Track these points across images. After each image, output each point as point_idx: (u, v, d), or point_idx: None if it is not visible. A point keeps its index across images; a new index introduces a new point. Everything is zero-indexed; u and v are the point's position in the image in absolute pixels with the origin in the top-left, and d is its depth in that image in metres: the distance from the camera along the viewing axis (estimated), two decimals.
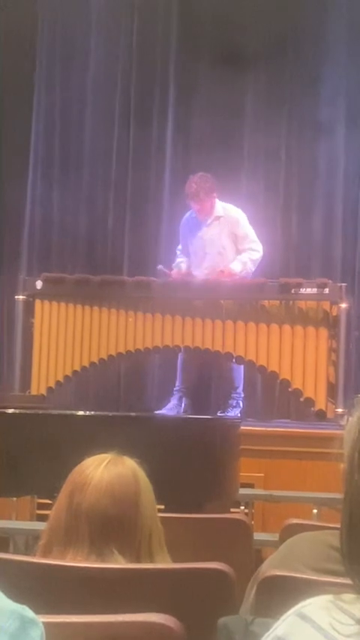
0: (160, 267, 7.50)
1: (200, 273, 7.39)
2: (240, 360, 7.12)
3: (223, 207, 7.42)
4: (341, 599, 0.90)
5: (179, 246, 7.66)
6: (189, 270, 7.46)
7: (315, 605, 0.91)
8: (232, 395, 7.49)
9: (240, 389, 7.52)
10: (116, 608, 1.73)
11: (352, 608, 0.89)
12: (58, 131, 9.13)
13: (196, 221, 7.46)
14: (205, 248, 7.42)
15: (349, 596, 0.91)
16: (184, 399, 7.46)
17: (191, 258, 7.52)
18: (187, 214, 7.57)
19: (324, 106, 8.57)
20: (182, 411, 7.36)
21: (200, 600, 2.09)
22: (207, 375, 8.05)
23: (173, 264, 7.57)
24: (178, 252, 7.63)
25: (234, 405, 7.45)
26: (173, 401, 7.46)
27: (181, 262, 7.54)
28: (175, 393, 7.50)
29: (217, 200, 7.40)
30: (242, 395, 7.53)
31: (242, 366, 7.43)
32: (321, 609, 0.90)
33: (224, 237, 7.38)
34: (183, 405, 7.43)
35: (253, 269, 7.40)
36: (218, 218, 7.40)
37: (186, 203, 7.50)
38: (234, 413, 7.38)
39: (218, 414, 7.32)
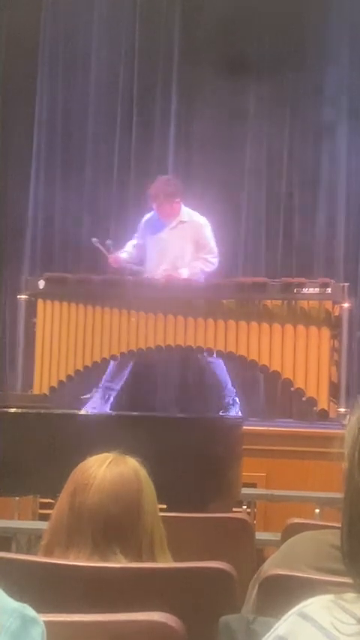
0: (94, 239, 7.52)
1: (147, 273, 7.42)
2: (237, 357, 7.11)
3: (188, 213, 7.45)
4: (343, 599, 0.90)
5: (132, 241, 7.64)
6: (131, 263, 7.50)
7: (316, 605, 0.91)
8: (224, 394, 7.48)
9: (229, 385, 7.51)
10: (118, 608, 1.73)
11: (354, 607, 0.89)
12: (61, 132, 9.13)
13: (158, 223, 7.47)
14: (164, 250, 7.43)
15: (350, 596, 0.91)
16: (110, 397, 7.42)
17: (149, 258, 7.52)
18: (149, 215, 7.58)
19: (326, 107, 8.57)
20: (109, 408, 7.34)
21: (202, 599, 2.09)
22: (175, 373, 8.02)
23: (120, 250, 7.57)
24: (129, 243, 7.62)
25: (231, 402, 7.44)
26: (97, 396, 7.41)
27: (125, 252, 7.55)
28: (100, 388, 7.45)
29: (182, 205, 7.41)
30: (235, 391, 7.52)
31: (222, 364, 7.42)
32: (322, 609, 0.90)
33: (186, 242, 7.39)
34: (109, 403, 7.40)
35: (201, 278, 7.42)
36: (183, 222, 7.41)
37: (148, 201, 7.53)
38: (234, 411, 7.38)
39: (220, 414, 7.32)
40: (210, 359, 7.38)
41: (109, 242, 7.58)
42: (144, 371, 7.95)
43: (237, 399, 7.48)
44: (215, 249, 7.43)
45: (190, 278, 7.31)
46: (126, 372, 7.52)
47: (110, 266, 7.54)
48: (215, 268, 7.43)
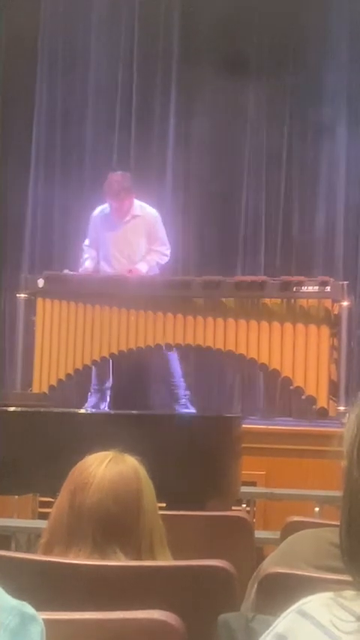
0: (66, 271, 7.55)
1: (110, 269, 7.46)
2: (236, 356, 7.12)
3: (140, 206, 7.50)
4: (342, 596, 0.91)
5: (86, 242, 7.67)
6: (96, 266, 7.54)
7: (315, 603, 0.91)
8: (178, 384, 7.49)
9: (178, 377, 7.52)
10: (118, 606, 1.73)
11: (353, 604, 0.89)
12: (60, 130, 9.12)
13: (111, 218, 7.50)
14: (118, 245, 7.47)
15: (349, 593, 0.91)
16: (104, 398, 7.44)
17: (103, 254, 7.55)
18: (100, 209, 7.60)
19: (326, 106, 8.57)
20: (106, 407, 7.37)
21: (202, 597, 2.09)
22: (142, 375, 8.03)
23: (81, 260, 7.62)
24: (86, 248, 7.65)
25: (182, 395, 7.46)
26: (92, 400, 7.43)
27: (87, 259, 7.58)
28: (92, 393, 7.48)
29: (134, 199, 7.47)
30: (184, 383, 7.54)
31: (176, 357, 7.45)
32: (321, 606, 0.90)
33: (141, 235, 7.45)
34: (105, 403, 7.42)
35: (157, 271, 7.50)
36: (136, 217, 7.46)
37: (102, 198, 7.56)
38: (187, 404, 7.40)
39: (177, 409, 7.33)
40: (169, 352, 7.40)
41: (65, 271, 7.58)
42: (139, 369, 7.96)
43: (187, 391, 7.50)
44: (167, 242, 7.52)
45: (148, 272, 7.43)
46: (109, 371, 7.55)
47: None
48: (168, 259, 7.48)
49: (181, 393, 7.50)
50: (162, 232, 7.51)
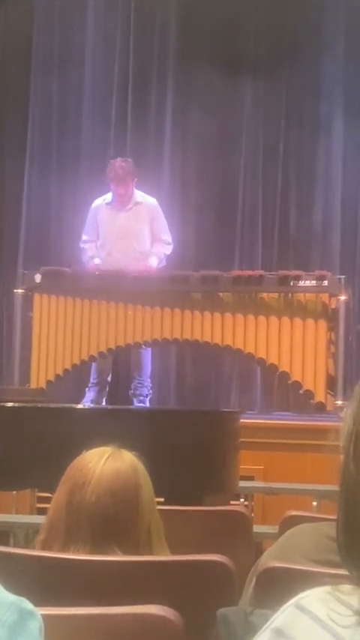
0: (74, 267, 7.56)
1: (109, 256, 7.46)
2: (234, 351, 7.12)
3: (141, 195, 7.53)
4: (339, 590, 0.90)
5: (84, 237, 7.66)
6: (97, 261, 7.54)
7: (313, 597, 0.91)
8: (144, 383, 7.50)
9: (148, 378, 7.55)
10: (116, 601, 1.73)
11: (350, 599, 0.89)
12: (55, 124, 9.11)
13: (111, 207, 7.52)
14: (120, 232, 7.48)
15: (347, 587, 0.91)
16: (104, 392, 7.45)
17: (101, 241, 7.54)
18: (100, 200, 7.60)
19: (322, 101, 8.58)
20: (104, 402, 7.38)
21: (200, 592, 2.09)
22: (121, 369, 8.04)
23: (85, 258, 7.60)
24: (86, 246, 7.63)
25: (145, 393, 7.47)
26: (90, 395, 7.43)
27: (93, 256, 7.57)
28: (91, 388, 7.48)
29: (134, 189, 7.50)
30: (150, 384, 7.56)
31: (149, 354, 7.46)
32: (319, 601, 0.90)
33: (143, 222, 7.47)
34: (104, 398, 7.43)
35: (165, 262, 7.52)
36: (138, 204, 7.49)
37: (103, 187, 7.58)
38: (147, 402, 7.41)
39: (136, 404, 7.34)
40: (141, 349, 7.41)
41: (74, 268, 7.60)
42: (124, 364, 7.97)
43: (151, 391, 7.54)
44: (168, 230, 7.55)
45: (157, 267, 7.43)
46: (109, 364, 7.55)
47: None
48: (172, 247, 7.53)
49: (145, 391, 7.50)
50: (164, 221, 7.55)
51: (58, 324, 7.39)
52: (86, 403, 7.24)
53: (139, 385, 7.51)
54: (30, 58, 9.15)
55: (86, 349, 7.36)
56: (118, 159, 7.54)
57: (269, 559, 2.07)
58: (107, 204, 7.55)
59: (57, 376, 7.42)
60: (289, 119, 8.73)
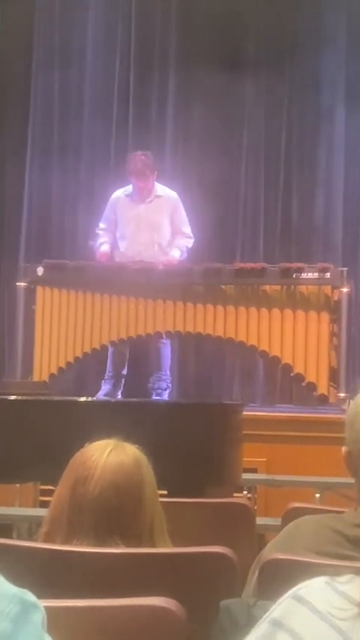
0: (91, 242, 7.53)
1: (130, 249, 7.43)
2: (236, 343, 7.12)
3: (161, 188, 7.51)
4: (337, 581, 0.90)
5: (101, 225, 7.63)
6: (112, 251, 7.52)
7: (311, 588, 0.91)
8: (162, 376, 7.50)
9: (167, 371, 7.54)
10: (119, 593, 1.73)
11: (348, 589, 0.89)
12: (56, 116, 9.10)
13: (133, 198, 7.48)
14: (140, 225, 7.45)
15: (344, 578, 0.91)
16: (119, 386, 7.45)
17: (120, 233, 7.52)
18: (119, 193, 7.57)
19: (324, 92, 8.57)
20: (119, 395, 7.37)
21: (203, 584, 2.09)
22: (139, 361, 8.03)
23: (95, 245, 7.57)
24: (101, 232, 7.60)
25: (164, 387, 7.46)
26: (106, 388, 7.43)
27: (104, 243, 7.53)
28: (106, 380, 7.48)
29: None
30: (170, 377, 7.56)
31: (169, 347, 7.45)
32: (317, 591, 0.90)
33: (164, 215, 7.45)
34: (119, 391, 7.43)
35: (186, 255, 7.50)
36: (159, 197, 7.46)
37: (125, 180, 7.55)
38: (166, 395, 7.40)
39: (153, 398, 7.34)
40: (162, 340, 7.41)
41: (90, 243, 7.58)
42: (140, 358, 7.96)
43: (170, 384, 7.52)
44: (188, 223, 7.51)
45: (182, 260, 7.38)
46: (125, 358, 7.54)
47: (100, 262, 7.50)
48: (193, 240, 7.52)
49: (163, 385, 7.49)
50: (184, 214, 7.51)
51: (61, 317, 7.39)
52: (100, 396, 7.25)
53: (158, 379, 7.51)
54: (32, 53, 9.13)
55: (89, 342, 7.36)
56: (139, 152, 7.49)
57: (272, 551, 2.07)
58: (127, 196, 7.51)
59: (60, 369, 7.42)
60: (291, 111, 8.71)
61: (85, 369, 8.16)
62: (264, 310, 7.00)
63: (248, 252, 8.42)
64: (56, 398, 5.08)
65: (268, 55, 8.70)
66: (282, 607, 0.90)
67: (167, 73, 8.91)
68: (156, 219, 7.44)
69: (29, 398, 4.78)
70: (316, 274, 6.96)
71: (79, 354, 7.39)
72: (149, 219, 7.43)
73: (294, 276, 6.98)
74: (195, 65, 8.67)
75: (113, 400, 6.56)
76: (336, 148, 8.59)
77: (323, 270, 6.98)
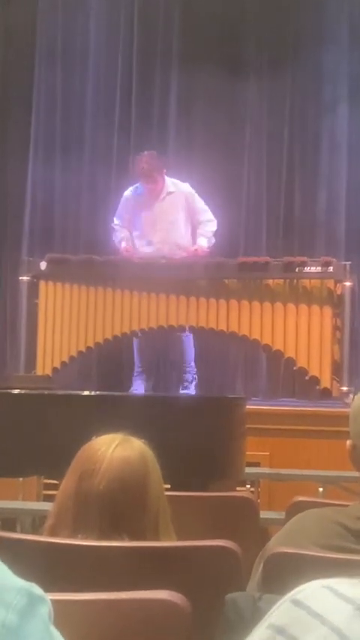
0: (123, 244, 7.52)
1: (150, 249, 7.41)
2: (239, 337, 7.12)
3: (172, 183, 7.45)
4: (336, 583, 0.90)
5: (115, 220, 7.62)
6: (133, 246, 7.50)
7: (309, 591, 0.90)
8: (187, 369, 7.50)
9: (192, 363, 7.53)
10: (124, 586, 1.73)
11: (347, 591, 0.88)
12: (60, 113, 9.10)
13: (145, 197, 7.44)
14: (155, 224, 7.42)
15: (343, 579, 0.91)
16: (148, 381, 7.46)
17: (138, 233, 7.51)
18: (132, 189, 7.54)
19: (326, 86, 8.56)
20: (150, 390, 7.39)
21: (208, 578, 2.10)
22: (163, 354, 8.05)
23: (116, 241, 7.57)
24: (117, 227, 7.59)
25: (190, 379, 7.47)
26: (136, 384, 7.45)
27: (123, 238, 7.52)
28: (136, 376, 7.50)
29: (165, 176, 7.43)
30: (195, 369, 7.54)
31: (191, 340, 7.46)
32: (315, 594, 0.90)
33: (178, 212, 7.41)
34: (151, 384, 7.45)
35: (214, 240, 7.46)
36: (170, 194, 7.42)
37: (136, 180, 7.51)
38: (192, 387, 7.41)
39: (181, 390, 7.35)
40: (183, 334, 7.41)
41: (123, 244, 7.57)
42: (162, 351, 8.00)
43: (196, 377, 7.50)
44: (207, 208, 7.47)
45: (199, 252, 7.35)
46: (152, 351, 7.57)
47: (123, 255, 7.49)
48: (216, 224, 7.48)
49: (189, 377, 7.50)
50: (200, 202, 7.45)
51: (64, 311, 7.39)
52: (134, 390, 7.30)
53: (183, 371, 7.52)
54: (34, 51, 9.12)
55: (92, 336, 7.36)
56: (145, 153, 7.44)
57: (276, 544, 2.08)
58: (139, 195, 7.47)
59: (63, 363, 7.43)
60: (293, 107, 8.70)
61: (88, 363, 8.16)
62: (267, 304, 7.00)
63: (251, 247, 8.42)
64: (60, 392, 5.08)
65: (271, 52, 8.69)
66: (280, 611, 0.90)
67: (169, 71, 8.90)
68: (170, 217, 7.40)
69: (33, 392, 4.78)
70: (319, 268, 6.96)
71: (82, 348, 7.40)
72: (163, 218, 7.40)
73: (297, 270, 6.98)
74: (197, 63, 8.66)
75: (117, 394, 6.55)
76: (338, 143, 8.58)
77: (326, 264, 6.98)
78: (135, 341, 7.49)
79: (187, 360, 7.55)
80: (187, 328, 7.26)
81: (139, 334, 7.33)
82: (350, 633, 0.84)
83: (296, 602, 0.88)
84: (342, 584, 0.89)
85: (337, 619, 0.85)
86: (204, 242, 7.38)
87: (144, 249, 7.45)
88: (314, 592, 0.89)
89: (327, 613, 0.86)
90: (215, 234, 7.48)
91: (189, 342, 7.54)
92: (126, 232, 7.54)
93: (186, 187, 7.46)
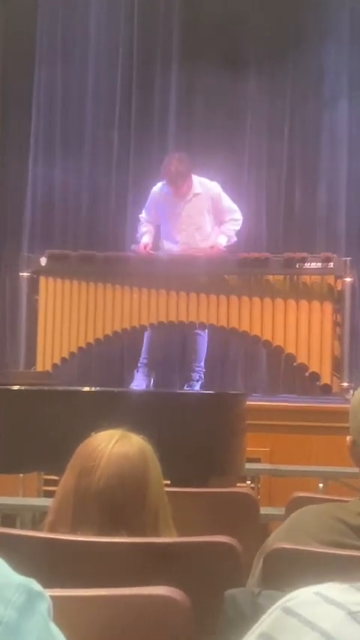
0: (133, 246, 7.50)
1: (174, 247, 7.41)
2: (240, 333, 7.12)
3: (200, 183, 7.39)
4: (327, 589, 0.90)
5: (143, 214, 7.60)
6: (155, 242, 7.48)
7: (300, 598, 0.90)
8: (195, 368, 7.50)
9: (202, 362, 7.53)
10: (123, 582, 1.73)
11: (337, 596, 0.88)
12: (60, 108, 9.10)
13: (171, 196, 7.39)
14: (181, 225, 7.40)
15: (333, 585, 0.90)
16: (151, 374, 7.45)
17: (164, 231, 7.50)
18: (161, 185, 7.48)
19: (327, 79, 8.55)
20: (150, 385, 7.37)
21: (207, 574, 2.10)
22: (173, 349, 8.04)
23: (137, 234, 7.55)
24: (143, 220, 7.57)
25: (197, 378, 7.46)
26: (139, 376, 7.45)
27: (145, 232, 7.50)
28: (140, 367, 7.49)
29: (193, 176, 7.37)
30: (204, 369, 7.54)
31: (205, 339, 7.45)
32: (306, 602, 0.89)
33: (204, 213, 7.38)
34: (152, 380, 7.44)
35: (236, 238, 7.44)
36: (197, 195, 7.37)
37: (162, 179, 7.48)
38: (197, 387, 7.40)
39: (185, 388, 7.34)
40: (197, 331, 7.40)
41: (133, 246, 7.54)
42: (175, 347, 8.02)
43: (203, 375, 7.51)
44: (235, 206, 7.43)
45: (219, 247, 7.34)
46: (162, 346, 7.57)
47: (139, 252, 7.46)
48: (242, 222, 7.45)
49: (196, 376, 7.50)
50: (227, 201, 7.40)
51: (64, 307, 7.39)
52: (135, 386, 7.29)
53: (192, 370, 7.51)
54: (34, 45, 9.12)
55: (92, 332, 7.36)
56: (176, 156, 7.36)
57: (276, 540, 2.08)
58: (166, 193, 7.41)
59: (63, 359, 7.43)
60: (294, 102, 8.70)
61: (88, 359, 8.16)
62: (267, 300, 7.00)
63: (251, 242, 8.41)
64: (60, 388, 5.08)
65: (271, 47, 8.68)
66: (271, 619, 0.89)
67: (170, 66, 8.89)
68: (196, 218, 7.37)
69: (33, 388, 4.78)
70: (319, 264, 6.96)
71: (82, 344, 7.40)
72: (189, 219, 7.37)
73: (297, 266, 6.98)
74: (198, 57, 8.66)
75: (117, 390, 6.56)
76: (339, 138, 8.58)
77: (326, 260, 6.97)
78: (146, 333, 7.47)
79: (199, 359, 7.54)
80: (148, 327, 7.26)
81: (148, 328, 7.32)
82: (341, 638, 0.83)
83: (287, 610, 0.88)
84: (333, 589, 0.89)
85: (328, 625, 0.84)
86: (223, 240, 7.34)
87: (168, 246, 7.43)
88: (305, 599, 0.89)
89: (318, 620, 0.85)
90: (238, 233, 7.45)
91: (203, 341, 7.52)
92: (150, 227, 7.52)
93: (214, 187, 7.40)
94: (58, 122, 9.10)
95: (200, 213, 7.35)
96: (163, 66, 8.92)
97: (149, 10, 8.94)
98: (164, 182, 7.39)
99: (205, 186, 7.39)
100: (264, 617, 0.90)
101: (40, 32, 9.14)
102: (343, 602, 0.86)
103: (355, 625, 0.84)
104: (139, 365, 7.52)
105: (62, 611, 1.12)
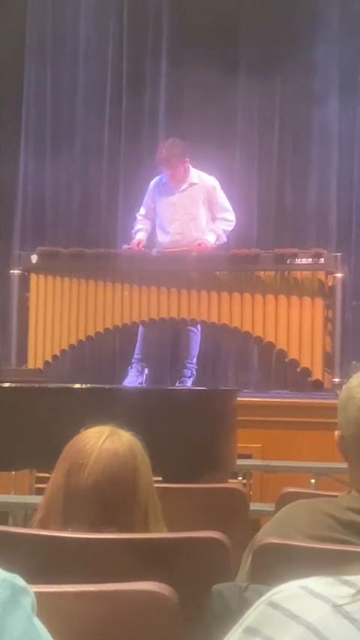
0: (125, 246, 7.50)
1: (167, 238, 7.40)
2: (231, 329, 7.12)
3: (197, 175, 7.42)
4: (312, 583, 0.90)
5: (141, 210, 7.60)
6: (150, 238, 7.48)
7: (285, 592, 0.90)
8: (187, 364, 7.50)
9: (195, 359, 7.53)
10: (112, 578, 1.73)
11: (322, 590, 0.88)
12: (50, 105, 9.09)
13: (168, 186, 7.43)
14: (175, 214, 7.41)
15: (320, 579, 0.90)
16: (145, 370, 7.46)
17: (158, 222, 7.50)
18: (157, 178, 7.52)
19: (317, 75, 8.55)
20: (143, 381, 7.37)
21: (196, 569, 2.10)
22: (166, 346, 8.05)
23: (132, 231, 7.55)
24: (139, 217, 7.58)
25: (188, 375, 7.47)
26: (132, 372, 7.45)
27: (140, 230, 7.50)
28: (133, 363, 7.49)
29: (190, 167, 7.38)
30: (196, 365, 7.55)
31: (199, 336, 7.46)
32: (291, 596, 0.89)
33: (199, 203, 7.37)
34: (144, 375, 7.44)
35: (226, 239, 7.44)
36: (193, 185, 7.39)
37: (157, 168, 7.49)
38: (189, 383, 7.40)
39: (177, 384, 7.34)
40: (191, 328, 7.40)
41: (125, 246, 7.54)
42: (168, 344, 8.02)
43: (195, 373, 7.50)
44: (230, 207, 7.44)
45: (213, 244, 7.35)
46: (158, 342, 7.57)
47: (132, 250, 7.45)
48: (234, 225, 7.46)
49: (187, 373, 7.50)
50: (222, 199, 7.42)
51: (55, 305, 7.39)
52: (128, 382, 7.31)
53: (184, 366, 7.52)
54: (24, 42, 9.11)
55: (83, 330, 7.37)
56: (170, 140, 7.45)
57: (265, 535, 2.08)
58: (163, 184, 7.45)
59: (54, 356, 7.43)
60: (284, 98, 8.70)
61: (79, 357, 8.15)
62: (258, 296, 7.01)
63: (242, 239, 8.41)
64: (51, 385, 5.08)
65: (261, 44, 8.68)
66: (256, 613, 0.89)
67: (159, 64, 8.89)
68: (191, 208, 7.38)
69: (24, 385, 4.78)
70: (309, 260, 6.97)
71: (73, 341, 7.40)
72: (184, 209, 7.38)
73: (288, 261, 6.99)
74: (188, 53, 8.67)
75: (107, 387, 6.56)
76: (329, 134, 8.59)
77: (317, 256, 6.98)
78: (140, 330, 7.47)
79: (191, 356, 7.54)
80: (139, 323, 7.26)
81: (140, 325, 7.32)
82: (326, 631, 0.83)
83: (272, 604, 0.88)
84: (318, 583, 0.89)
85: (313, 618, 0.84)
86: (212, 238, 7.35)
87: (161, 238, 7.43)
88: (290, 593, 0.89)
89: (303, 613, 0.85)
90: (228, 234, 7.46)
91: (196, 338, 7.53)
92: (147, 224, 7.52)
93: (210, 180, 7.42)
94: (48, 119, 9.08)
95: (195, 203, 7.36)
96: (153, 64, 8.93)
97: (139, 8, 8.93)
98: (162, 174, 7.42)
99: (202, 178, 7.42)
100: (250, 611, 0.90)
101: (30, 30, 9.12)
102: (328, 595, 0.86)
103: (340, 618, 0.84)
104: (132, 361, 7.52)
105: (48, 608, 1.12)
